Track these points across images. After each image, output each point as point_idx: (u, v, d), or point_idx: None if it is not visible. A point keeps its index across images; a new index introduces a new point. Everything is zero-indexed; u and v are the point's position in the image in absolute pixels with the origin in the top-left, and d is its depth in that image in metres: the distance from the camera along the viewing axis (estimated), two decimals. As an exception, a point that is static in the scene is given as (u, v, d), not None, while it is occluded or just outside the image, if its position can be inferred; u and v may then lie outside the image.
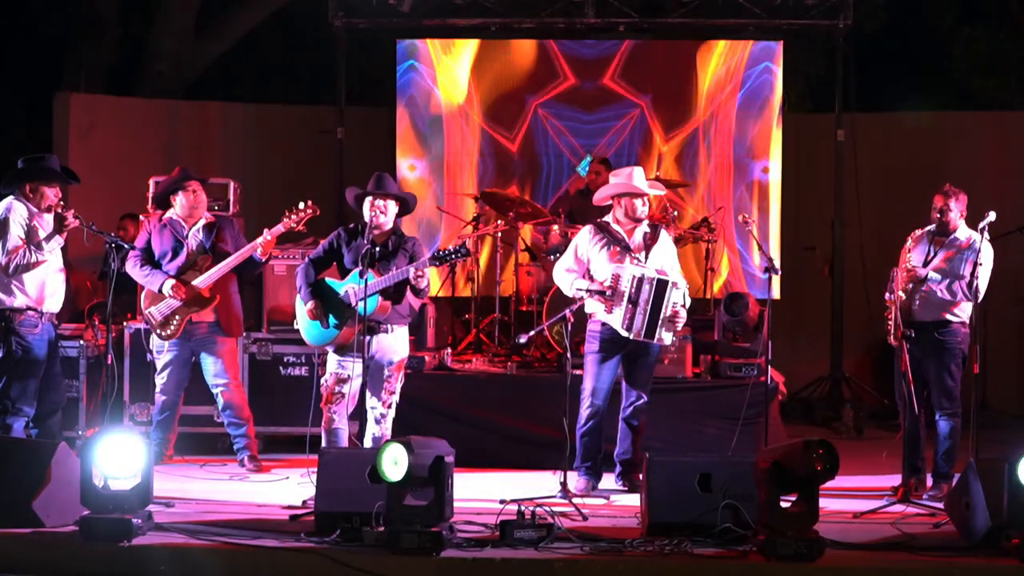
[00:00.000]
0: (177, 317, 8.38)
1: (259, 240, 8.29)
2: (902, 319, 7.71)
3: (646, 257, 7.92)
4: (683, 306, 7.85)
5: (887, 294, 7.86)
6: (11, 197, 8.03)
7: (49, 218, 8.10)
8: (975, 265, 7.57)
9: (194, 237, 8.49)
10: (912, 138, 12.51)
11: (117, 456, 6.44)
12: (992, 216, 7.55)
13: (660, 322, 7.73)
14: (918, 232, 7.98)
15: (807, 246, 12.17)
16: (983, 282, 7.65)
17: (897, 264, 7.87)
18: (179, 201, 8.48)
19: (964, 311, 7.80)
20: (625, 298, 7.74)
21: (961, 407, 7.85)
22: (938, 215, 7.85)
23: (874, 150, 12.23)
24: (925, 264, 7.84)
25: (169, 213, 8.53)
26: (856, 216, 12.02)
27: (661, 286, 7.73)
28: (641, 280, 7.73)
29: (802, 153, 12.54)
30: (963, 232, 7.84)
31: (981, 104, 13.81)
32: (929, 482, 7.88)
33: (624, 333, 7.75)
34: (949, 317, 7.79)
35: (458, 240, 9.92)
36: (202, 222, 8.53)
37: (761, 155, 12.34)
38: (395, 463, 6.18)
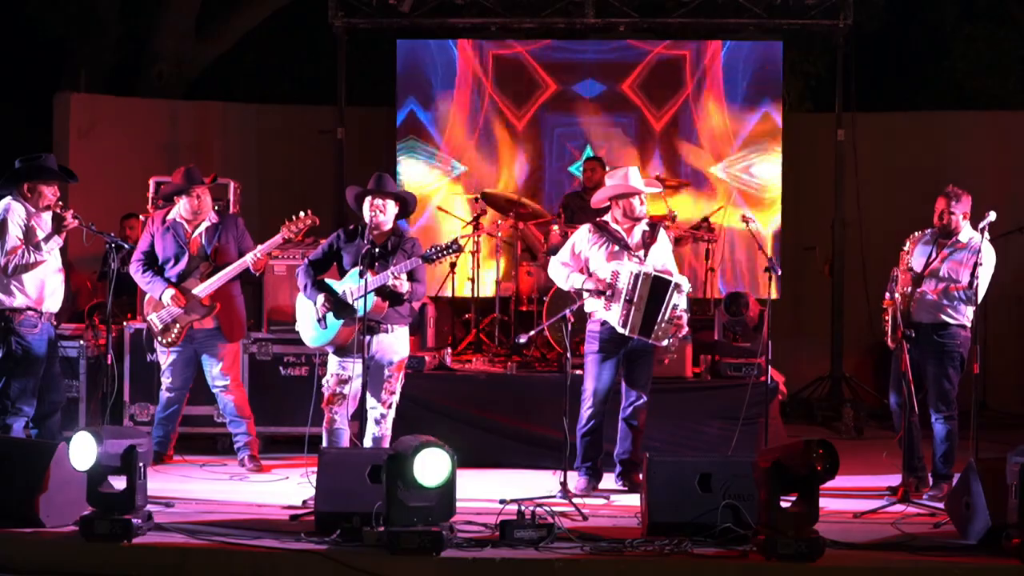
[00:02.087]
0: (178, 325, 8.37)
1: (248, 258, 8.27)
2: (902, 320, 7.70)
3: (645, 255, 7.92)
4: (684, 310, 7.84)
5: (887, 294, 7.86)
6: (9, 198, 8.02)
7: (47, 217, 8.10)
8: (975, 266, 7.56)
9: (196, 242, 8.47)
10: (912, 138, 12.51)
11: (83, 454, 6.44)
12: (992, 216, 7.53)
13: (658, 322, 7.72)
14: (917, 234, 7.96)
15: (807, 246, 12.17)
16: (983, 283, 7.64)
17: (898, 264, 7.87)
18: (183, 204, 8.46)
19: (963, 314, 7.77)
20: (623, 295, 7.74)
21: (958, 409, 7.84)
22: (939, 218, 7.83)
23: (874, 150, 12.23)
24: (927, 266, 7.83)
25: (172, 214, 8.51)
26: (856, 216, 12.02)
27: (661, 285, 7.72)
28: (638, 277, 7.73)
29: (802, 153, 12.54)
30: (966, 234, 7.79)
31: (981, 104, 13.80)
32: (930, 481, 7.88)
33: (621, 330, 7.75)
34: (947, 319, 7.77)
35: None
36: (205, 224, 8.50)
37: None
38: (436, 468, 6.15)
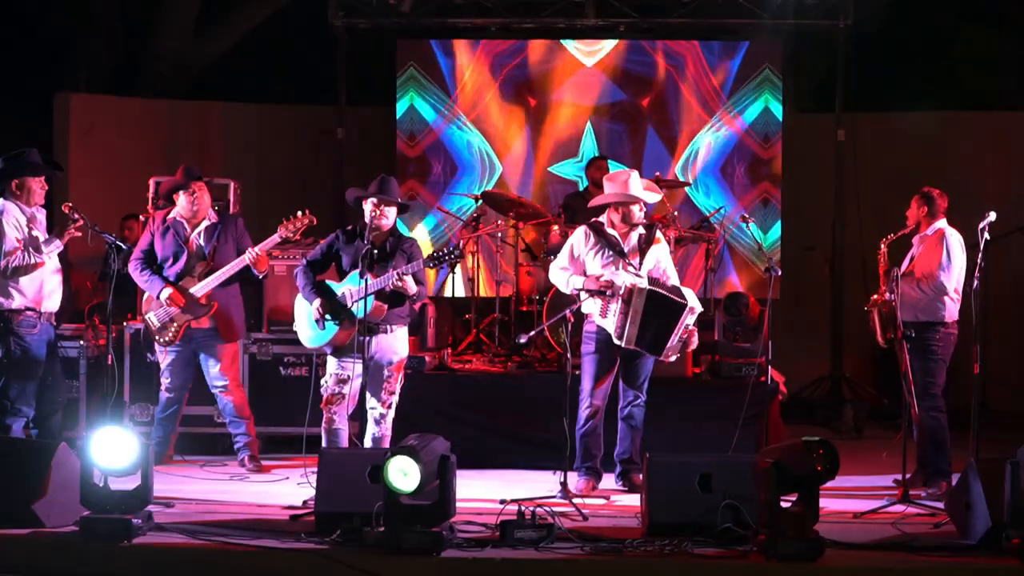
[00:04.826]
0: (175, 324, 8.37)
1: (245, 257, 8.26)
2: (891, 321, 7.78)
3: (641, 261, 7.90)
4: (693, 326, 7.86)
5: (874, 295, 7.96)
6: (2, 200, 8.01)
7: (43, 218, 8.10)
8: (946, 260, 7.70)
9: (195, 240, 8.48)
10: (912, 138, 12.50)
11: (114, 452, 6.42)
12: (992, 216, 7.57)
13: (670, 340, 7.71)
14: (891, 236, 8.09)
15: (807, 246, 12.17)
16: (954, 273, 7.81)
17: (899, 265, 7.93)
18: (181, 202, 8.47)
19: (943, 307, 7.88)
20: (618, 305, 7.73)
21: (944, 403, 7.95)
22: (912, 219, 8.06)
23: (874, 150, 12.23)
24: (910, 264, 7.99)
25: (173, 213, 8.52)
26: (856, 216, 12.02)
27: (671, 306, 7.69)
28: (633, 291, 7.72)
29: (802, 153, 12.53)
30: (933, 228, 7.98)
31: (981, 104, 13.79)
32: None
33: (616, 341, 7.75)
34: (925, 316, 7.90)
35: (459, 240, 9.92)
36: (205, 223, 8.51)
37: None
38: (405, 474, 6.13)
